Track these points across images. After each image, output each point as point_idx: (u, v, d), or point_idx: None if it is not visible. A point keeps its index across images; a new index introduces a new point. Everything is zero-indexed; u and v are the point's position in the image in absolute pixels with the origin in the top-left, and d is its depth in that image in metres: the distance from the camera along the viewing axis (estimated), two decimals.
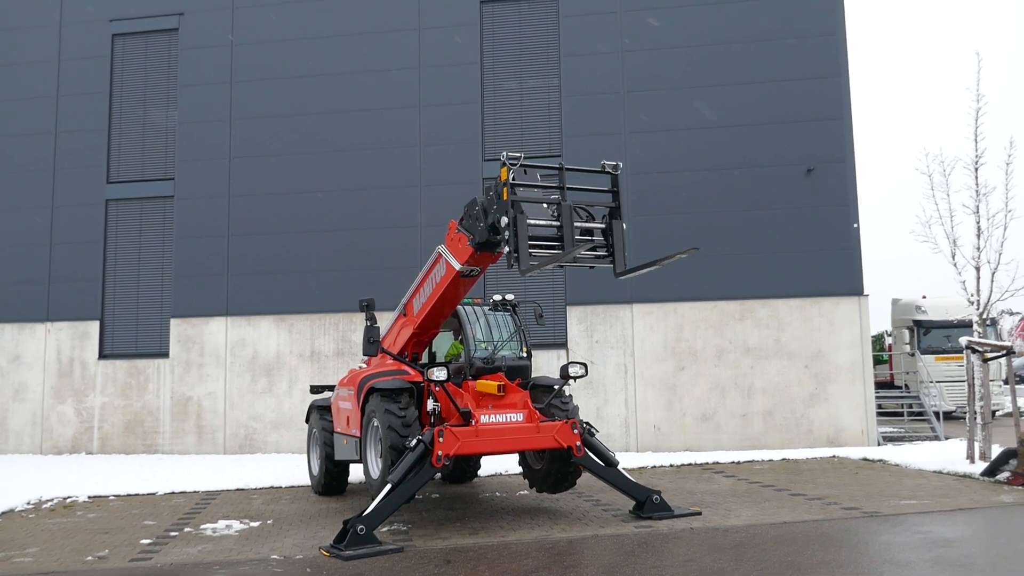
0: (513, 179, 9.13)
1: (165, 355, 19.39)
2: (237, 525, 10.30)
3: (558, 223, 9.21)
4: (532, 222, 9.03)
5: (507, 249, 9.02)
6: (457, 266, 10.29)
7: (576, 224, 9.27)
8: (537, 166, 9.53)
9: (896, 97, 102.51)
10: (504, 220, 9.02)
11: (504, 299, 11.75)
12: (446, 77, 18.95)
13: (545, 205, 9.31)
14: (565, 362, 16.61)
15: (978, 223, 14.43)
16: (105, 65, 20.37)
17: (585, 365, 10.68)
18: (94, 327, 19.72)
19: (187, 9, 20.14)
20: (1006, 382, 19.34)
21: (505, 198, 9.02)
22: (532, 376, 11.34)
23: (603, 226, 9.53)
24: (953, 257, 14.71)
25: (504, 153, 9.23)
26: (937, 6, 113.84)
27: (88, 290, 19.80)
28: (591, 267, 9.79)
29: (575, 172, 9.62)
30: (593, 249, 9.48)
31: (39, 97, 20.51)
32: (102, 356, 19.68)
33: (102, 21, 20.46)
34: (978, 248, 14.40)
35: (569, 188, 9.38)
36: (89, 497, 12.90)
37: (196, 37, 20.04)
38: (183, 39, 20.12)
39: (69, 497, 12.85)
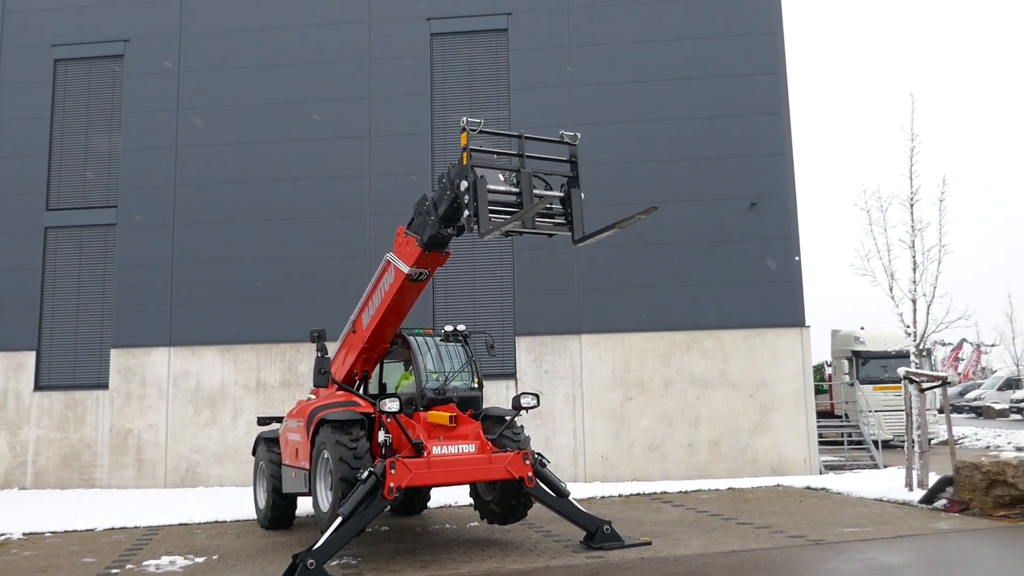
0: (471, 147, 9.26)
1: (104, 386, 18.89)
2: (181, 561, 10.07)
3: (517, 190, 9.36)
4: (492, 187, 9.18)
5: (467, 213, 9.11)
6: (406, 269, 10.44)
7: (535, 192, 9.42)
8: (497, 132, 9.83)
9: (836, 136, 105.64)
10: (464, 184, 9.12)
11: (455, 330, 11.76)
12: (396, 108, 19.01)
13: (502, 177, 9.45)
14: (514, 392, 16.68)
15: (914, 257, 14.94)
16: (47, 90, 19.97)
17: (537, 396, 10.75)
18: (30, 358, 19.14)
19: (132, 35, 19.90)
20: (941, 411, 19.90)
21: (465, 163, 9.14)
22: (484, 407, 11.35)
23: (561, 194, 9.68)
24: (891, 290, 15.19)
25: (464, 119, 9.33)
26: (873, 49, 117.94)
27: (24, 319, 19.23)
28: (550, 235, 9.83)
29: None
30: (551, 217, 9.61)
31: None
32: (38, 387, 19.09)
33: (44, 46, 20.09)
34: (914, 281, 14.90)
35: (528, 156, 9.58)
36: (24, 534, 12.46)
37: (141, 64, 19.78)
38: (128, 66, 19.86)
39: (3, 534, 12.40)
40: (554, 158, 9.93)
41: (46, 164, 19.79)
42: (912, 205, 15.00)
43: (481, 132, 9.41)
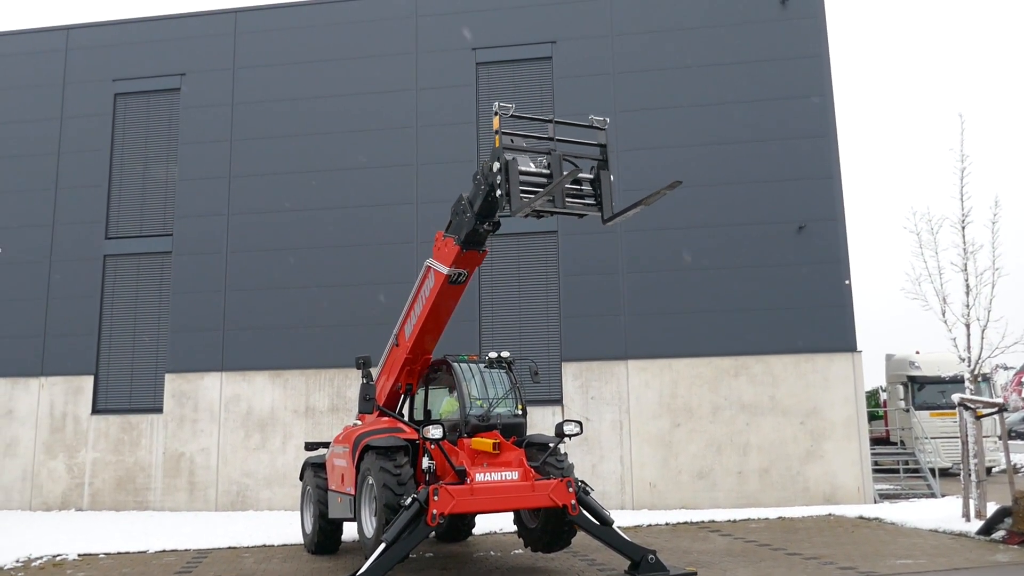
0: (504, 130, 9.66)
1: (159, 410, 19.33)
2: None
3: (548, 171, 9.69)
4: (523, 169, 9.54)
5: (499, 193, 9.47)
6: (445, 270, 10.81)
7: (565, 172, 9.70)
8: (529, 117, 10.16)
9: (884, 157, 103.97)
10: (496, 165, 9.48)
11: (500, 356, 11.81)
12: (443, 136, 19.25)
13: (533, 165, 9.74)
14: (560, 419, 16.63)
15: (966, 281, 14.58)
16: (107, 123, 20.68)
17: (580, 423, 10.73)
18: (88, 382, 19.69)
19: (189, 69, 20.52)
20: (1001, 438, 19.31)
21: (497, 145, 9.52)
22: (527, 434, 11.36)
23: (591, 176, 9.94)
24: (943, 314, 14.83)
25: (496, 104, 9.73)
26: (921, 70, 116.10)
27: (83, 345, 19.81)
28: (581, 215, 10.10)
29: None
30: (581, 198, 9.88)
31: (41, 154, 20.75)
32: (95, 411, 19.60)
33: (105, 81, 20.82)
34: (967, 305, 14.54)
35: (559, 140, 9.91)
36: (79, 555, 12.76)
37: (197, 97, 20.38)
38: (184, 99, 20.47)
39: (59, 555, 12.72)
40: (585, 142, 10.21)
41: (106, 194, 20.44)
42: (963, 227, 14.66)
43: (513, 116, 9.80)
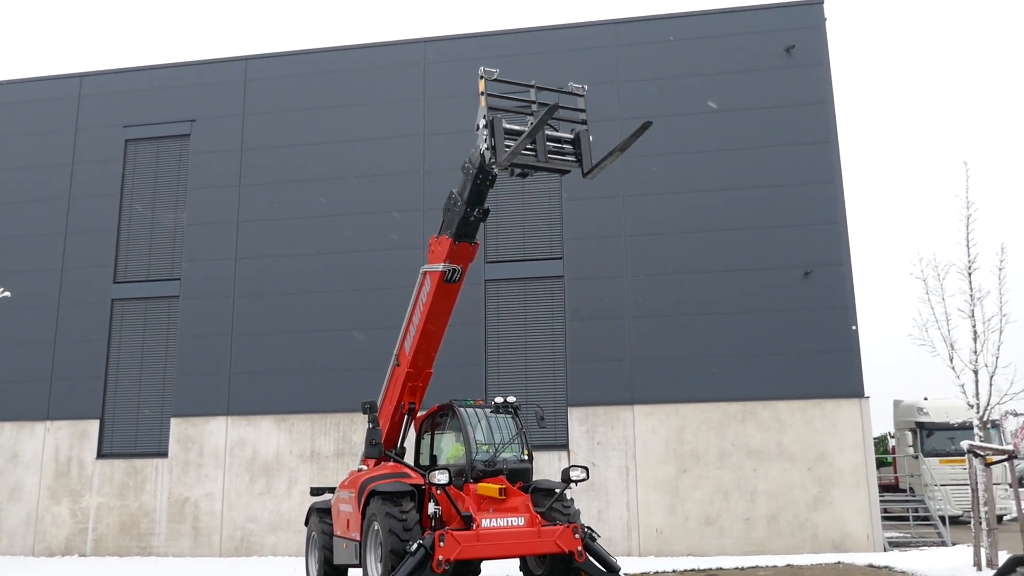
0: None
1: (164, 455, 19.27)
2: None
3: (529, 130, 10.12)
4: (508, 126, 10.11)
5: (484, 147, 10.05)
6: (440, 267, 11.14)
7: (548, 133, 10.25)
8: (512, 82, 10.68)
9: (890, 203, 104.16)
10: (482, 122, 10.07)
11: (506, 401, 11.80)
12: (450, 181, 19.31)
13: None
14: (567, 464, 16.53)
15: (974, 327, 14.52)
16: (117, 168, 20.93)
17: (587, 468, 10.70)
18: (94, 426, 19.66)
19: (199, 116, 20.82)
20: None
21: (483, 105, 10.11)
22: (533, 479, 11.30)
23: (571, 136, 10.51)
24: (951, 360, 14.75)
25: (482, 68, 10.39)
26: (927, 117, 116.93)
27: (89, 389, 19.82)
28: (564, 171, 10.71)
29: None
30: (562, 155, 10.44)
31: (52, 199, 20.98)
32: (100, 455, 19.55)
33: (116, 127, 21.11)
34: (975, 352, 14.46)
35: (541, 104, 10.35)
36: None
37: (207, 143, 20.64)
38: (194, 144, 20.73)
39: None
40: (566, 106, 10.67)
41: (114, 239, 20.61)
42: (970, 274, 14.63)
43: (496, 80, 10.36)
